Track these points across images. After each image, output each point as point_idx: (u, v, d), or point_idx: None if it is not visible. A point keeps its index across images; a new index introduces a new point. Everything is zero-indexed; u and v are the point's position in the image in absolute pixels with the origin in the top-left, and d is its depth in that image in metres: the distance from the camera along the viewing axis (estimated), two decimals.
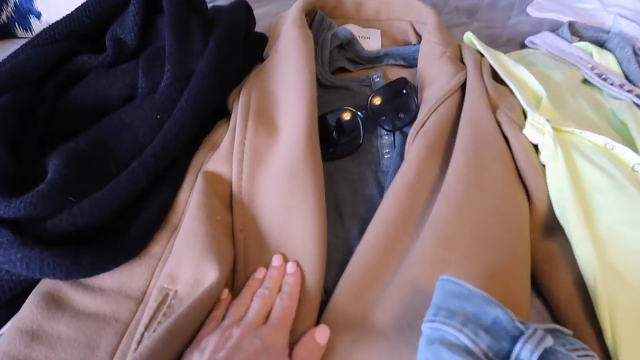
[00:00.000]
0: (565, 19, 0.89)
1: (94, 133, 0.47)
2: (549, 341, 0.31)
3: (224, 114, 0.57)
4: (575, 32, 0.81)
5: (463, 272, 0.40)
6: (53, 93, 0.50)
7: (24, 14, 0.80)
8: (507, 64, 0.63)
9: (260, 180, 0.47)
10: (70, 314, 0.39)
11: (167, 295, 0.40)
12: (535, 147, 0.52)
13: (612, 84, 0.64)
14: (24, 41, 0.56)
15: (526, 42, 0.79)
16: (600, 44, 0.76)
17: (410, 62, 0.67)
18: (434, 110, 0.53)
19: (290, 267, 0.41)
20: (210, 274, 0.39)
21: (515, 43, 0.82)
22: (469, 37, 0.69)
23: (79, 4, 0.57)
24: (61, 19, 0.57)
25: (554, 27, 0.85)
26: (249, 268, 0.42)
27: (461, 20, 0.92)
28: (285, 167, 0.46)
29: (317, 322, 0.40)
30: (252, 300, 0.39)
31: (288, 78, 0.54)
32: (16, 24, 0.81)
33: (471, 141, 0.49)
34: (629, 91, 0.62)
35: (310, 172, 0.45)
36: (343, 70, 0.68)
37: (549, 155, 0.49)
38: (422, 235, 0.43)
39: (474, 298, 0.33)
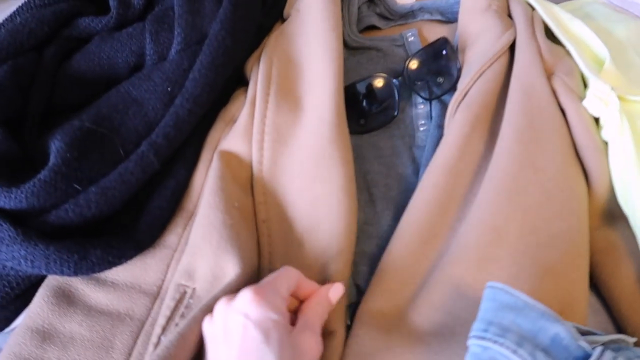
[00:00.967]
0: None
1: (99, 109, 0.43)
2: None
3: (241, 81, 0.52)
4: None
5: (514, 270, 0.36)
6: (52, 62, 0.46)
7: None
8: (562, 19, 0.55)
9: (283, 164, 0.42)
10: (83, 311, 0.37)
11: (184, 293, 0.37)
12: (596, 120, 0.45)
13: None
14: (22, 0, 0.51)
15: None
16: None
17: (449, 17, 0.60)
18: (479, 77, 0.46)
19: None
20: (229, 270, 0.36)
21: None
22: None
23: None
24: None
25: None
26: (275, 265, 0.39)
27: None
28: (310, 150, 0.42)
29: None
30: None
31: (313, 44, 0.48)
32: None
33: (523, 114, 0.43)
34: None
35: (338, 156, 0.41)
36: (372, 28, 0.61)
37: (614, 130, 0.43)
38: (465, 226, 0.38)
39: (529, 311, 0.30)
